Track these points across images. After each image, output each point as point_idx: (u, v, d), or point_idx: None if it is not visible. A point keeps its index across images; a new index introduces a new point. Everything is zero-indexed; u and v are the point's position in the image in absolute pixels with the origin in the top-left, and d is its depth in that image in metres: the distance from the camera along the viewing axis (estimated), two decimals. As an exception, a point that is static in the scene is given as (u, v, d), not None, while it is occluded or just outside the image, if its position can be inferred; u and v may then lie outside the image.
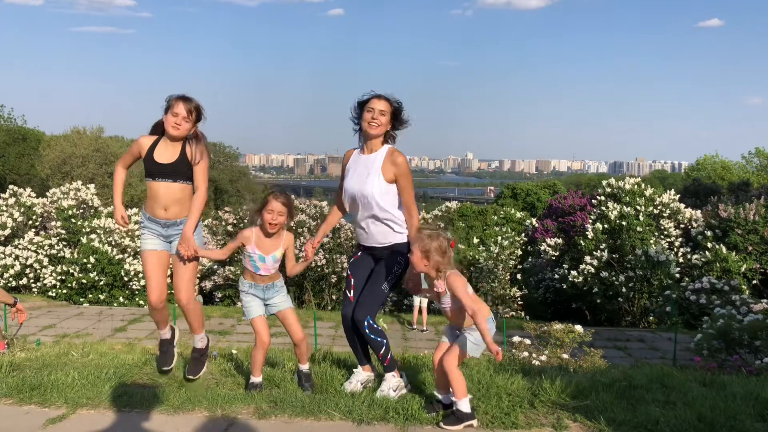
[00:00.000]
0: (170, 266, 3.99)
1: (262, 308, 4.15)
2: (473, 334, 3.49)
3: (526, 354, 8.60)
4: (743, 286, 15.58)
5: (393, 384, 3.99)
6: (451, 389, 3.53)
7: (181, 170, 3.79)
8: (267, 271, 4.05)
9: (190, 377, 4.13)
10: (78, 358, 4.78)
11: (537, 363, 7.96)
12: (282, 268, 4.14)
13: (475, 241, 20.05)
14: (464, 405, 3.46)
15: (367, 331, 3.98)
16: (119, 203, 3.97)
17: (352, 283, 4.13)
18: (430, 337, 14.22)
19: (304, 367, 4.26)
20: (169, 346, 4.17)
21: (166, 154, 3.80)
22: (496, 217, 25.02)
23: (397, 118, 4.06)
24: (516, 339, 8.96)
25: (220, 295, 19.41)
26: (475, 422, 3.48)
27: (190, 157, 3.81)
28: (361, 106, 4.04)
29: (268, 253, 4.01)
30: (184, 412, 3.66)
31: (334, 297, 19.10)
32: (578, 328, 9.06)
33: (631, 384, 3.82)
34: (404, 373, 4.20)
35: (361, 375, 4.17)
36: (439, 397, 3.64)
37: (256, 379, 4.18)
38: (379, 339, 4.02)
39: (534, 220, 23.96)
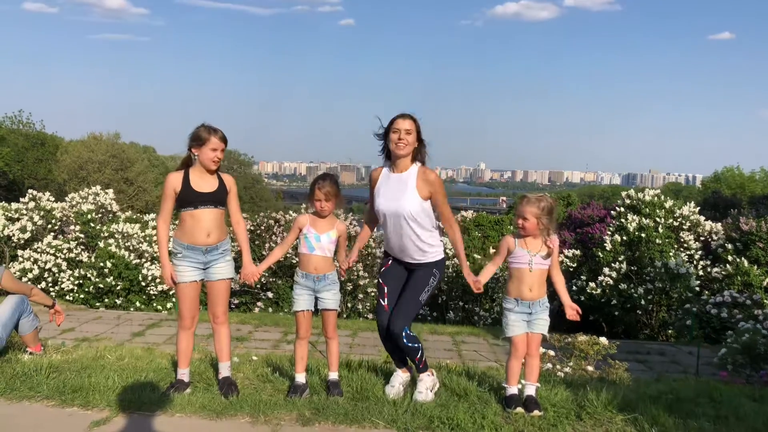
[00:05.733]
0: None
1: (309, 303, 4.17)
2: (545, 315, 3.90)
3: (549, 365, 8.52)
4: (765, 301, 15.37)
5: (429, 384, 4.12)
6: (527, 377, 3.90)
7: (220, 197, 4.08)
8: (322, 251, 4.11)
9: (231, 396, 4.02)
10: (114, 362, 4.78)
11: (561, 374, 7.89)
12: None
13: (492, 251, 20.00)
14: (535, 388, 3.86)
15: (405, 341, 4.04)
16: (167, 261, 4.05)
17: (386, 291, 4.15)
18: (448, 347, 14.15)
19: (333, 375, 4.25)
20: (229, 377, 4.22)
21: (203, 183, 4.03)
22: (512, 227, 24.95)
23: (421, 139, 4.07)
24: (540, 350, 8.86)
25: (236, 301, 19.45)
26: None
27: (228, 186, 4.13)
28: (387, 128, 4.06)
29: (323, 232, 4.12)
30: (227, 418, 3.65)
31: (349, 305, 19.08)
32: (603, 340, 8.97)
33: (678, 397, 3.77)
34: (433, 371, 4.30)
35: (401, 377, 4.25)
36: (514, 390, 3.88)
37: (300, 378, 4.17)
38: (415, 345, 4.11)
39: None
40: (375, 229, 4.49)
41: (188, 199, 3.97)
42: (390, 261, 4.23)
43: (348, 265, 4.25)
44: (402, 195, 3.97)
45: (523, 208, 3.86)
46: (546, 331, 3.83)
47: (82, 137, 43.46)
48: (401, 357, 4.28)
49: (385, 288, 4.16)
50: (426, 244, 4.04)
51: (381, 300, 4.16)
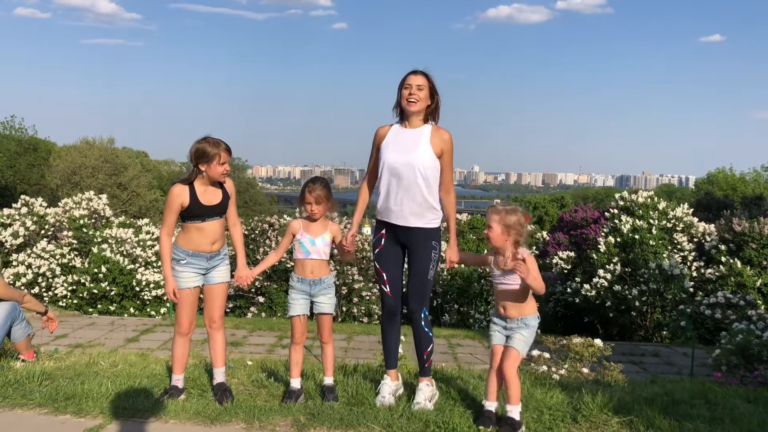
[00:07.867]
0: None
1: (305, 308, 4.13)
2: (523, 332, 3.56)
3: (545, 368, 8.51)
4: (759, 301, 15.44)
5: (428, 394, 3.98)
6: (504, 397, 3.59)
7: (224, 207, 4.15)
8: (318, 254, 4.08)
9: (225, 402, 4.02)
10: (107, 368, 4.75)
11: (556, 377, 7.89)
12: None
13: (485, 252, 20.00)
14: (516, 412, 3.49)
15: (422, 323, 3.91)
16: (171, 276, 4.04)
17: (386, 277, 3.99)
18: (443, 350, 14.14)
19: (328, 380, 4.22)
20: (224, 383, 4.22)
21: (210, 196, 4.06)
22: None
23: (434, 95, 3.99)
24: (535, 353, 8.85)
25: (230, 305, 19.39)
26: (523, 428, 3.49)
27: (230, 193, 4.19)
28: (400, 85, 3.99)
29: (317, 235, 4.09)
30: (222, 424, 3.63)
31: (344, 309, 19.05)
32: (598, 342, 8.97)
33: (674, 399, 3.76)
34: (433, 381, 4.17)
35: (391, 385, 4.10)
36: (491, 406, 3.62)
37: (295, 383, 4.14)
38: (430, 334, 3.98)
39: (545, 233, 23.85)
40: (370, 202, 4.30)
41: (196, 212, 4.00)
42: (383, 239, 4.03)
43: (350, 241, 4.08)
44: (415, 147, 3.87)
45: (488, 216, 3.68)
46: (521, 348, 3.54)
47: (75, 142, 43.33)
48: (396, 353, 4.16)
49: (384, 275, 3.99)
50: (428, 206, 3.88)
51: (383, 287, 4.02)
